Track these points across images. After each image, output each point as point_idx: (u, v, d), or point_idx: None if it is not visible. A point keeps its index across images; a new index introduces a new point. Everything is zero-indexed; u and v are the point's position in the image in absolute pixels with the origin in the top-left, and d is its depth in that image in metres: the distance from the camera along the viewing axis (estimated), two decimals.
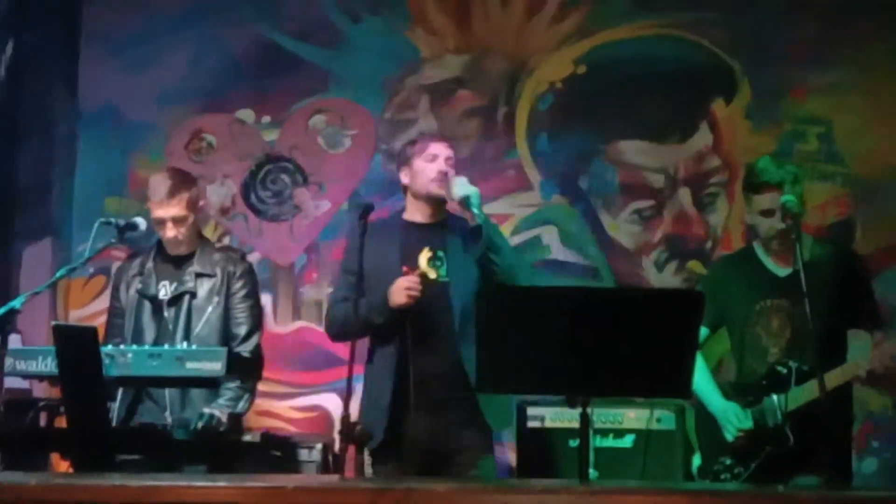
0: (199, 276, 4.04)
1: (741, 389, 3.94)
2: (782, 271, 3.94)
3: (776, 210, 3.82)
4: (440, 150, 3.97)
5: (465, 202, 3.80)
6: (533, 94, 5.68)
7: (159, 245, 4.13)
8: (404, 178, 4.02)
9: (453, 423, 3.73)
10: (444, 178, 3.90)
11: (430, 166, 3.93)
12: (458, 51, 5.75)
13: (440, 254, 3.86)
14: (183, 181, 4.07)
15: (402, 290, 3.70)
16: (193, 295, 4.02)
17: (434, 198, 3.93)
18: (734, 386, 3.99)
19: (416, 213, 4.00)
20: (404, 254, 3.85)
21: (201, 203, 4.16)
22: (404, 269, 3.75)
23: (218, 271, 4.05)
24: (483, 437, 3.79)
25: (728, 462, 3.87)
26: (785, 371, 3.81)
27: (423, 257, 3.74)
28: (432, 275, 3.73)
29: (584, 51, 5.66)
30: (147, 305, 4.03)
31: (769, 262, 3.99)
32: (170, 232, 4.02)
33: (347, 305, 3.72)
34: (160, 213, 4.02)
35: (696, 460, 4.03)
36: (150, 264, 4.09)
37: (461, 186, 3.83)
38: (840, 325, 3.87)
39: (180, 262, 4.09)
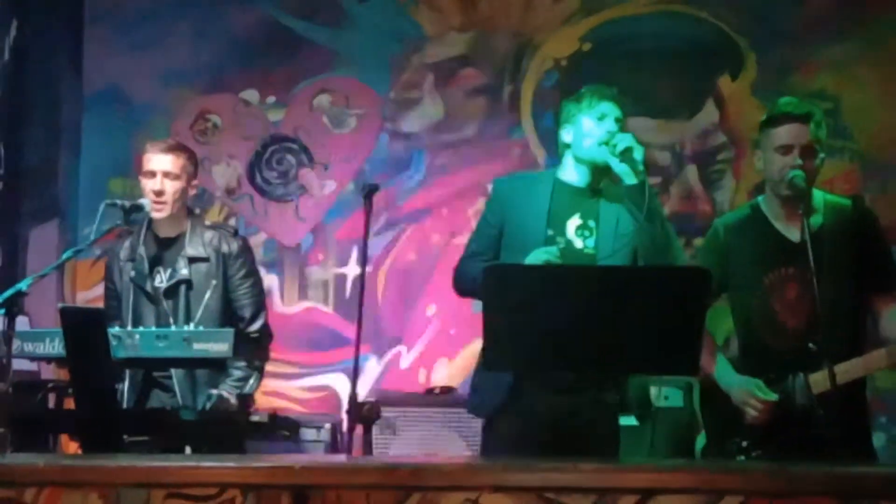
0: (192, 260, 3.95)
1: (753, 365, 3.56)
2: (796, 235, 3.50)
3: (795, 147, 3.46)
4: (610, 109, 3.52)
5: (626, 154, 3.39)
6: (538, 71, 5.66)
7: (149, 227, 4.04)
8: (566, 136, 3.57)
9: (579, 403, 3.41)
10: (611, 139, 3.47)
11: (599, 126, 3.49)
12: (462, 29, 5.73)
13: (591, 223, 3.50)
14: (185, 149, 4.04)
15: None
16: (189, 284, 3.94)
17: (597, 163, 3.50)
18: (742, 360, 3.62)
19: (572, 174, 3.55)
20: (552, 217, 3.49)
21: (195, 182, 4.05)
22: (549, 232, 3.44)
23: (212, 252, 3.97)
24: (609, 419, 3.49)
25: (744, 444, 3.53)
26: (815, 348, 3.37)
27: (572, 224, 3.46)
28: (578, 244, 3.45)
29: (590, 28, 5.64)
30: (142, 295, 3.97)
31: (780, 224, 3.57)
32: (157, 185, 3.91)
33: (476, 263, 3.42)
34: (153, 164, 3.93)
35: (701, 440, 3.76)
36: (140, 249, 4.00)
37: (624, 139, 3.42)
38: (861, 291, 3.52)
39: (171, 244, 4.00)
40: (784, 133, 3.50)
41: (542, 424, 3.39)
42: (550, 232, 3.45)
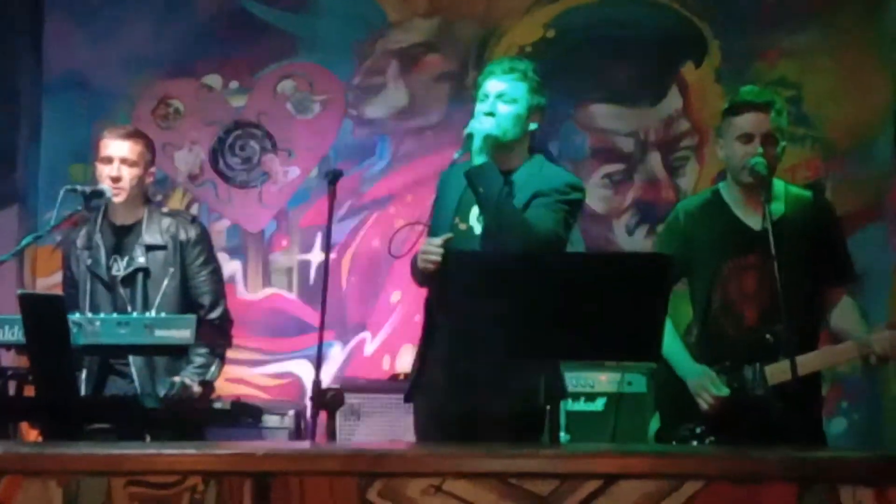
0: (149, 248, 3.92)
1: (710, 352, 3.59)
2: (756, 222, 3.53)
3: (756, 136, 3.47)
4: (493, 86, 3.36)
5: (467, 140, 3.31)
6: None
7: (105, 214, 3.99)
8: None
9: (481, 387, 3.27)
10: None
11: (479, 107, 3.36)
12: (426, 15, 5.71)
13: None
14: (143, 136, 4.01)
15: (421, 255, 3.32)
16: (147, 272, 3.91)
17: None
18: (700, 348, 3.64)
19: (477, 158, 3.32)
20: (461, 204, 3.41)
21: (152, 169, 4.02)
22: (455, 220, 3.38)
23: (169, 240, 3.93)
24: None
25: (698, 430, 3.55)
26: (772, 339, 3.45)
27: (475, 210, 3.35)
28: (477, 230, 3.34)
29: (554, 15, 5.64)
30: (99, 284, 3.93)
31: (741, 212, 3.59)
32: (114, 172, 3.86)
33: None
34: (110, 150, 3.89)
35: (654, 424, 3.74)
36: (97, 237, 3.95)
37: (474, 122, 3.33)
38: (816, 283, 3.56)
39: (127, 232, 3.96)
40: (745, 122, 3.51)
41: (444, 406, 3.31)
42: (456, 220, 3.39)
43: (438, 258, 3.26)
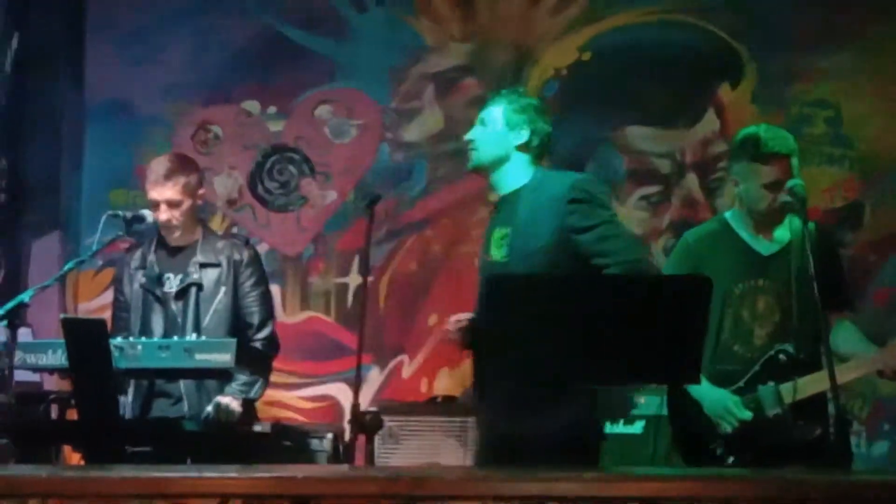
0: (203, 266, 3.97)
1: (724, 376, 3.65)
2: (766, 248, 3.67)
3: (784, 183, 3.56)
4: (484, 112, 3.51)
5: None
6: (538, 81, 5.67)
7: (160, 236, 4.05)
8: None
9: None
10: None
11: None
12: (462, 39, 5.75)
13: (507, 230, 3.37)
14: (182, 165, 4.01)
15: (448, 333, 3.36)
16: (200, 287, 3.95)
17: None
18: (711, 368, 3.65)
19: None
20: (488, 234, 3.45)
21: (201, 191, 4.05)
22: (484, 252, 3.42)
23: (223, 260, 3.98)
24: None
25: (718, 451, 3.61)
26: (785, 359, 3.59)
27: (497, 236, 3.37)
28: (496, 256, 3.36)
29: (589, 37, 5.65)
30: (153, 300, 3.97)
31: (750, 238, 3.71)
32: (163, 215, 3.93)
33: None
34: (154, 194, 3.94)
35: (664, 442, 3.86)
36: (151, 257, 4.01)
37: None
38: (821, 308, 3.53)
39: (183, 252, 4.02)
40: (773, 171, 3.62)
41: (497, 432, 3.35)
42: (485, 251, 3.44)
43: (457, 333, 3.31)
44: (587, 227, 3.27)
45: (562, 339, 2.82)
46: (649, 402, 4.50)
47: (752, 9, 5.48)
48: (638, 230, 5.51)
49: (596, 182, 3.47)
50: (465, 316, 3.33)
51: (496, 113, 3.45)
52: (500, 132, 3.42)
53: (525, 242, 3.31)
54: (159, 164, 4.00)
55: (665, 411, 4.33)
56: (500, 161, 3.43)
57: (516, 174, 3.43)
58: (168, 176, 3.95)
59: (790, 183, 3.54)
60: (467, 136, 3.49)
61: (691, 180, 5.54)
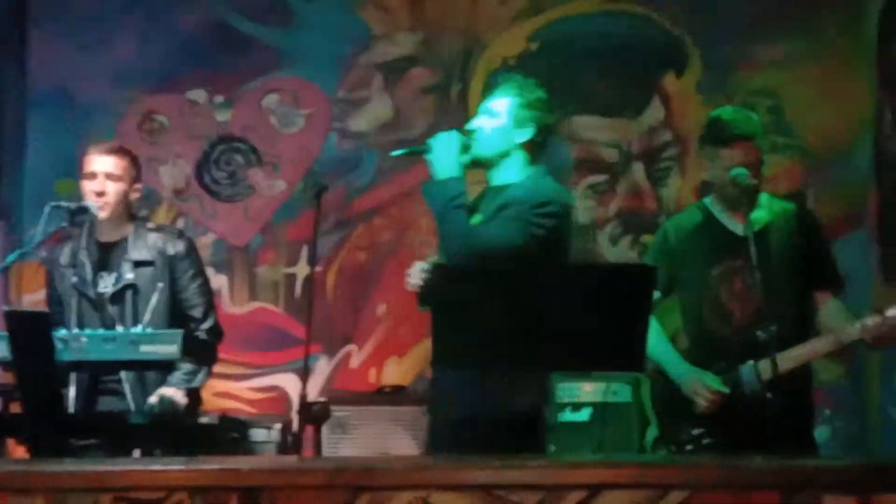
0: (137, 264, 3.90)
1: (705, 356, 3.71)
2: (742, 229, 3.61)
3: (749, 165, 3.60)
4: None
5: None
6: (487, 70, 5.68)
7: (90, 231, 3.98)
8: None
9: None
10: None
11: None
12: (410, 28, 5.74)
13: (478, 219, 3.40)
14: (128, 152, 4.00)
15: (407, 279, 3.35)
16: (135, 288, 3.89)
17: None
18: (694, 353, 3.76)
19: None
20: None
21: (138, 185, 4.00)
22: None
23: (157, 255, 3.92)
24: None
25: (695, 432, 3.66)
26: (764, 336, 3.47)
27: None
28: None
29: (537, 27, 5.67)
30: (86, 302, 3.91)
31: (727, 220, 3.75)
32: (98, 186, 3.86)
33: None
34: (94, 166, 3.88)
35: (653, 431, 3.84)
36: (82, 254, 3.93)
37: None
38: (806, 287, 3.71)
39: (114, 248, 3.95)
40: (735, 154, 3.63)
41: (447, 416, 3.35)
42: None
43: (419, 280, 3.28)
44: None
45: (511, 326, 2.84)
46: (595, 389, 4.54)
47: None
48: (584, 218, 5.55)
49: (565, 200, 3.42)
50: (427, 265, 3.29)
51: (504, 105, 3.39)
52: (505, 127, 3.38)
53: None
54: (104, 143, 4.02)
55: (611, 398, 4.40)
56: (501, 157, 3.40)
57: (511, 170, 3.40)
58: (112, 151, 3.94)
59: (733, 172, 3.58)
60: (470, 126, 3.41)
61: (637, 169, 5.58)
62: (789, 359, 3.54)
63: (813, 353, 3.65)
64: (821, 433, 5.19)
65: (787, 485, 2.36)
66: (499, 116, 3.39)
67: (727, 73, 5.49)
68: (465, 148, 3.36)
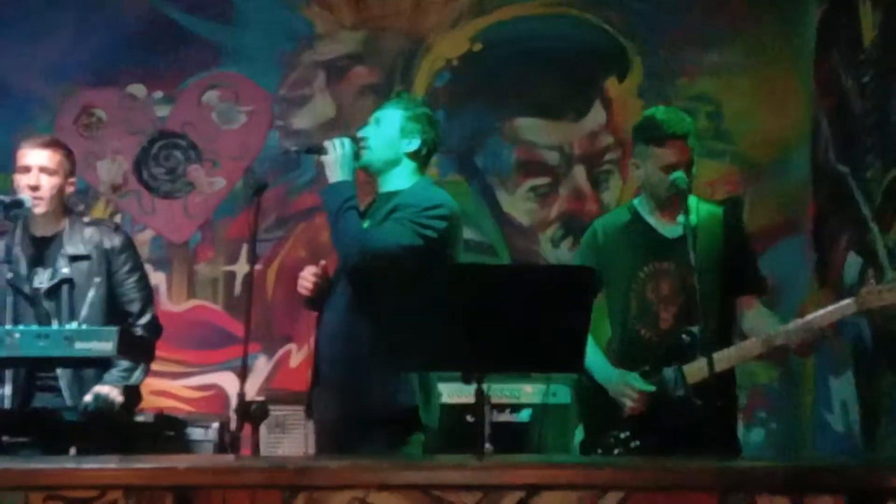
0: (73, 259, 3.85)
1: (630, 358, 3.71)
2: (670, 231, 3.70)
3: (681, 164, 3.64)
4: None
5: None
6: (430, 71, 5.68)
7: (24, 226, 3.91)
8: None
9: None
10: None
11: None
12: (353, 27, 5.72)
13: (366, 223, 3.58)
14: (63, 146, 3.96)
15: (299, 281, 3.63)
16: (71, 283, 3.84)
17: None
18: (620, 355, 3.76)
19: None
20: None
21: (72, 179, 3.95)
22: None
23: (93, 249, 3.88)
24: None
25: (622, 436, 3.68)
26: (688, 339, 3.60)
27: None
28: None
29: (481, 28, 5.68)
30: (22, 299, 3.84)
31: (655, 222, 3.77)
32: (31, 181, 3.81)
33: None
34: (29, 159, 3.84)
35: (578, 434, 3.85)
36: (16, 249, 3.87)
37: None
38: (729, 291, 3.73)
39: (49, 243, 3.89)
40: (668, 153, 3.68)
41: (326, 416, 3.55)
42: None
43: (310, 284, 3.57)
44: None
45: (447, 327, 2.84)
46: (535, 390, 4.55)
47: (638, 5, 5.57)
48: (526, 220, 5.58)
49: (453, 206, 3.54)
50: (318, 270, 3.58)
51: (392, 116, 3.61)
52: (393, 136, 3.59)
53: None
54: (38, 136, 4.00)
55: (551, 399, 4.42)
56: (390, 164, 3.61)
57: (400, 178, 3.60)
58: (47, 145, 3.90)
59: (672, 176, 3.62)
60: (361, 133, 3.61)
61: (579, 172, 5.62)
62: (721, 360, 3.55)
63: (743, 355, 3.68)
64: (756, 435, 5.28)
65: (722, 486, 2.39)
66: (385, 126, 3.60)
67: (668, 79, 5.55)
68: (356, 155, 3.57)
